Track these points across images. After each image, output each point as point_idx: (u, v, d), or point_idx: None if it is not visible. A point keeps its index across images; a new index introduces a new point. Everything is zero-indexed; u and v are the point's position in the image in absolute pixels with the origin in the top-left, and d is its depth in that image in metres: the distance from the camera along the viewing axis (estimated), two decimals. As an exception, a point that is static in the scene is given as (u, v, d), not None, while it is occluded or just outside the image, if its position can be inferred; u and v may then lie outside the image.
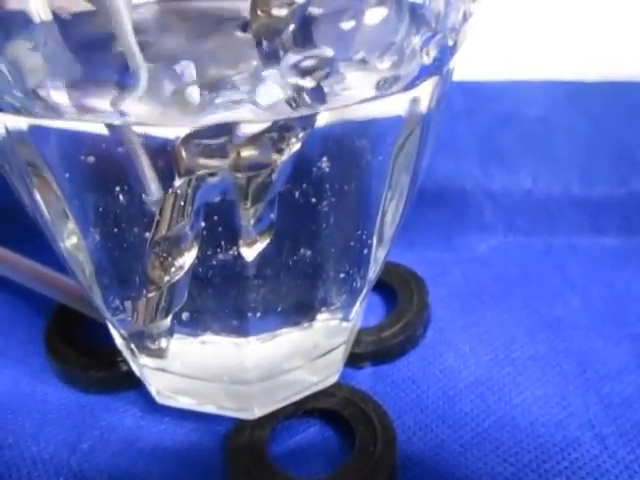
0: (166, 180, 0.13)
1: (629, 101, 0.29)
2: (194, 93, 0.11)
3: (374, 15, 0.11)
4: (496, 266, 0.25)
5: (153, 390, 0.19)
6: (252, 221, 0.14)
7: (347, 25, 0.11)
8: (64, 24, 0.12)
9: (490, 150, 0.28)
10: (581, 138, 0.28)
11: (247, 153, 0.13)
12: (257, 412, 0.18)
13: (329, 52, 0.10)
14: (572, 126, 0.29)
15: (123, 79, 0.11)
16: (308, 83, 0.11)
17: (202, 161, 0.13)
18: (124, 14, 0.11)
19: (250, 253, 0.14)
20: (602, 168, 0.28)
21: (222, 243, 0.14)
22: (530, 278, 0.25)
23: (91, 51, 0.12)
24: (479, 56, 0.27)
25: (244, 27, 0.12)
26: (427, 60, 0.12)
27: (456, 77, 0.15)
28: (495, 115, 0.29)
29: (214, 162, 0.13)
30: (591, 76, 0.30)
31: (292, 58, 0.10)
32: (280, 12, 0.10)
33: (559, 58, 0.30)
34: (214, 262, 0.15)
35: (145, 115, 0.12)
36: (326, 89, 0.11)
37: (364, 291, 0.18)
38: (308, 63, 0.10)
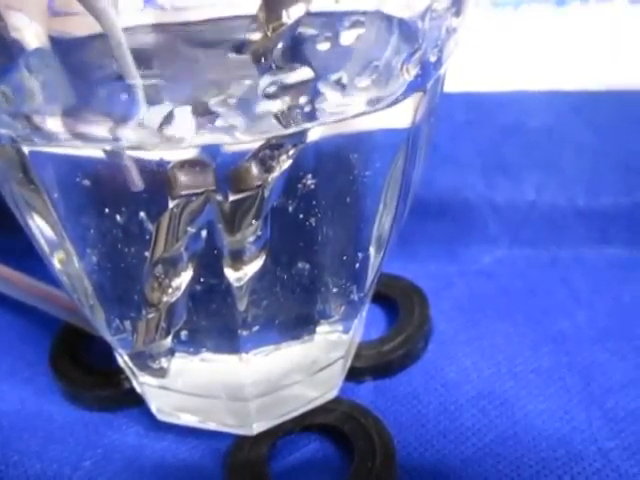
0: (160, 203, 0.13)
1: (634, 111, 0.29)
2: (187, 117, 0.12)
3: (350, 36, 0.11)
4: (500, 279, 0.25)
5: (154, 408, 0.19)
6: (251, 238, 0.14)
7: (323, 46, 0.11)
8: (59, 51, 0.12)
9: (494, 161, 0.28)
10: (586, 149, 0.28)
11: (237, 173, 0.13)
12: (255, 428, 0.18)
13: (303, 74, 0.11)
14: (577, 137, 0.28)
15: (122, 106, 0.11)
16: (282, 105, 0.11)
17: (194, 183, 0.13)
18: (121, 37, 0.11)
19: (238, 276, 0.14)
20: (608, 179, 0.27)
21: (218, 261, 0.15)
22: (535, 291, 0.24)
23: (87, 78, 0.12)
24: (481, 67, 0.28)
25: (238, 48, 0.12)
26: (408, 77, 0.12)
27: (459, 88, 0.15)
28: (498, 126, 0.29)
29: (205, 183, 0.13)
30: (596, 86, 0.29)
31: (265, 81, 0.11)
32: (254, 36, 0.10)
33: (563, 68, 0.30)
34: (211, 280, 0.15)
35: (136, 139, 0.12)
36: (307, 108, 0.11)
37: (362, 303, 0.18)
38: (271, 89, 0.11)
